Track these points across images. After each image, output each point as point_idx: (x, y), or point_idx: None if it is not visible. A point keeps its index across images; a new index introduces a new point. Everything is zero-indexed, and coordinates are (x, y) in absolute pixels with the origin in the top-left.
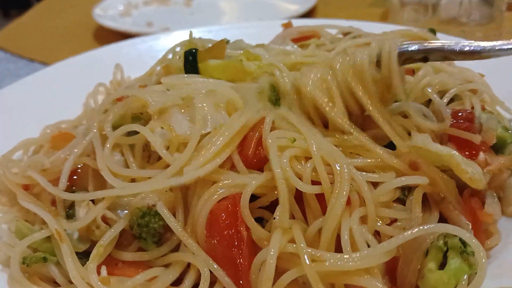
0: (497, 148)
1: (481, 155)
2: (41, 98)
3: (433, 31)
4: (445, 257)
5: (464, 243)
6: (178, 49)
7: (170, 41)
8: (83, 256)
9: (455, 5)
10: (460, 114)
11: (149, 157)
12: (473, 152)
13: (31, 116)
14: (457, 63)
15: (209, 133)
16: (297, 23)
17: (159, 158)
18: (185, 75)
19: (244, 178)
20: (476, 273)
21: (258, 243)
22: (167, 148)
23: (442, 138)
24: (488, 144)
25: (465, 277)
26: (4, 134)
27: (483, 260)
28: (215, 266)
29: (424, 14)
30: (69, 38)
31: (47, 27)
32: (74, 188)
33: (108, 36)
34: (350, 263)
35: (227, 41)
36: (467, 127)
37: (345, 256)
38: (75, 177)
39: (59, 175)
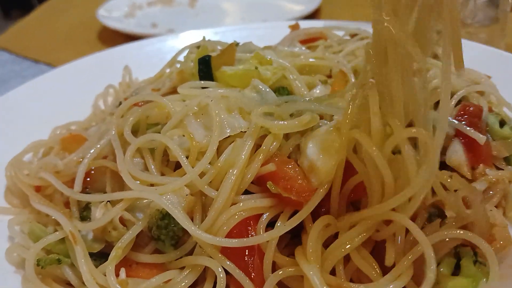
0: None
1: (481, 167)
2: (50, 100)
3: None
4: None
5: (475, 253)
6: (187, 51)
7: (177, 43)
8: (97, 258)
9: (460, 7)
10: (469, 108)
11: (168, 160)
12: (476, 152)
13: (40, 119)
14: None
15: (229, 137)
16: (304, 24)
17: (178, 164)
18: (200, 82)
19: (261, 201)
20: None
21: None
22: (187, 156)
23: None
24: (497, 157)
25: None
26: (13, 136)
27: (496, 268)
28: (230, 264)
29: None
30: (73, 39)
31: (51, 28)
32: (87, 189)
33: (112, 37)
34: None
35: (237, 44)
36: (473, 123)
37: None
38: (88, 179)
39: (72, 177)
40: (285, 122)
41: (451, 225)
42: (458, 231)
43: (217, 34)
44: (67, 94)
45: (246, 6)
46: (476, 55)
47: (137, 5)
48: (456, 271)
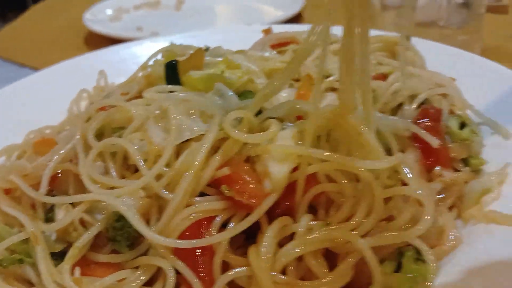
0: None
1: (437, 168)
2: (26, 105)
3: (407, 37)
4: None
5: (417, 251)
6: (159, 56)
7: (154, 47)
8: (59, 257)
9: (432, 8)
10: (428, 111)
11: (129, 165)
12: (433, 154)
13: (16, 123)
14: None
15: (190, 140)
16: (278, 29)
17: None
18: (167, 86)
19: (214, 204)
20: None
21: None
22: (145, 160)
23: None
24: (455, 158)
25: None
26: None
27: (434, 266)
28: (180, 263)
29: (404, 17)
30: (60, 43)
31: (38, 32)
32: (54, 192)
33: (98, 41)
34: None
35: (207, 48)
36: (432, 126)
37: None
38: (55, 182)
39: (39, 180)
40: (254, 135)
41: (393, 227)
42: (392, 234)
43: (194, 37)
44: (43, 99)
45: (231, 11)
46: (443, 57)
47: (124, 8)
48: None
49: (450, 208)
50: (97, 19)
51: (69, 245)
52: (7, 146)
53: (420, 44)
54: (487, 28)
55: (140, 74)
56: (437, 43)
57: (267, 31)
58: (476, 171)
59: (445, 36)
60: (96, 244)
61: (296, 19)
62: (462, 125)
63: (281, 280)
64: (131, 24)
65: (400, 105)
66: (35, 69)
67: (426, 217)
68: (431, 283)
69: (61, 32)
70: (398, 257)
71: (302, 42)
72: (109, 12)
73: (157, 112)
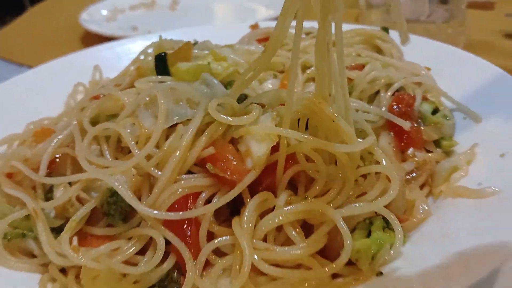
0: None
1: (410, 150)
2: (24, 99)
3: (386, 30)
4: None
5: (387, 222)
6: (150, 50)
7: (147, 43)
8: (58, 232)
9: (416, 5)
10: (402, 97)
11: (122, 147)
12: (406, 137)
13: (15, 117)
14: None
15: (176, 124)
16: (264, 24)
17: (130, 150)
18: (157, 77)
19: (200, 180)
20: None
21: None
22: (137, 142)
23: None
24: (428, 140)
25: (387, 246)
26: None
27: (400, 236)
28: (170, 233)
29: (389, 15)
30: (57, 43)
31: (35, 33)
32: (52, 175)
33: (94, 40)
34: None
35: (195, 42)
36: (405, 111)
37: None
38: (53, 166)
39: (39, 165)
40: (238, 118)
41: (364, 200)
42: (361, 204)
43: (185, 34)
44: (41, 93)
45: (225, 10)
46: (421, 49)
47: (119, 9)
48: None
49: (422, 186)
50: (93, 19)
51: (67, 220)
52: (8, 135)
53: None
54: (473, 24)
55: (132, 68)
56: (420, 37)
57: (254, 27)
58: (448, 152)
59: (429, 31)
60: (92, 219)
61: None
62: (436, 111)
63: (261, 245)
64: (126, 24)
65: (377, 93)
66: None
67: (392, 189)
68: (398, 248)
69: (58, 33)
70: (368, 226)
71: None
72: (104, 12)
73: (147, 99)
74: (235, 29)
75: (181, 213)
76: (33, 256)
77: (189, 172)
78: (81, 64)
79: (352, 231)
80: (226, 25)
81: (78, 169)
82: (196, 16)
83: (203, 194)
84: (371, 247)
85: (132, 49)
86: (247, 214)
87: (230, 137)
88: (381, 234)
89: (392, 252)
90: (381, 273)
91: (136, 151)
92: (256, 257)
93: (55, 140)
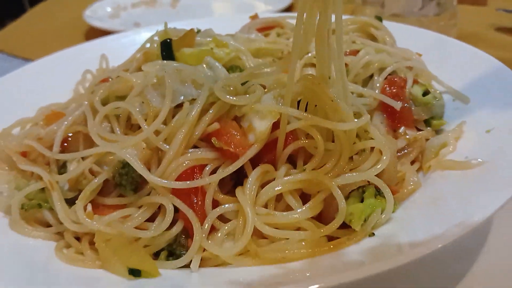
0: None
1: (402, 128)
2: (34, 88)
3: (379, 19)
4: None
5: (378, 190)
6: (155, 38)
7: (151, 34)
8: (71, 204)
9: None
10: (394, 80)
11: (132, 125)
12: (397, 116)
13: (25, 105)
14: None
15: (182, 104)
16: (263, 15)
17: (139, 127)
18: (163, 61)
19: (206, 153)
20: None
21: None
22: (145, 119)
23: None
24: (419, 120)
25: (378, 210)
26: (2, 120)
27: (390, 201)
28: (178, 201)
29: (383, 9)
30: (61, 39)
31: (40, 29)
32: (65, 152)
33: (98, 36)
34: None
35: (198, 30)
36: (396, 93)
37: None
38: (65, 144)
39: (52, 143)
40: (242, 97)
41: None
42: (355, 174)
43: (187, 25)
44: (51, 82)
45: (225, 7)
46: (414, 38)
47: (122, 6)
48: None
49: (413, 162)
50: (97, 16)
51: (80, 193)
52: (21, 118)
53: (395, 28)
54: (466, 18)
55: (139, 55)
56: (414, 27)
57: (253, 17)
58: (438, 131)
59: (422, 23)
60: (103, 191)
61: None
62: (426, 93)
63: (263, 211)
64: (129, 20)
65: (371, 77)
66: None
67: (383, 159)
68: (388, 212)
69: (62, 29)
70: (361, 194)
71: (285, 25)
72: (108, 9)
73: (155, 80)
74: (235, 20)
75: (188, 182)
76: (48, 225)
77: (195, 147)
78: (87, 55)
79: (346, 198)
80: (227, 17)
81: (90, 146)
82: (196, 13)
83: (208, 167)
84: (364, 211)
85: (137, 40)
86: (249, 182)
87: (233, 115)
88: (373, 201)
89: (383, 216)
90: (373, 234)
91: (145, 126)
92: (258, 221)
93: (69, 118)
